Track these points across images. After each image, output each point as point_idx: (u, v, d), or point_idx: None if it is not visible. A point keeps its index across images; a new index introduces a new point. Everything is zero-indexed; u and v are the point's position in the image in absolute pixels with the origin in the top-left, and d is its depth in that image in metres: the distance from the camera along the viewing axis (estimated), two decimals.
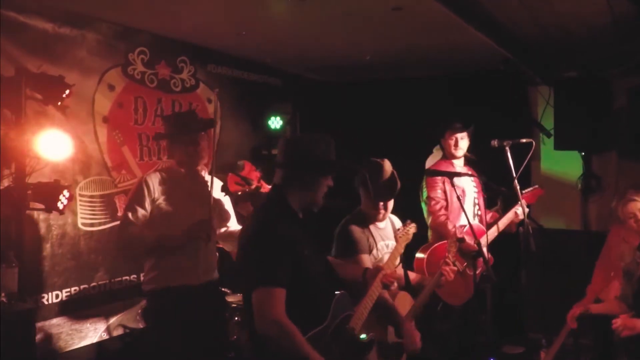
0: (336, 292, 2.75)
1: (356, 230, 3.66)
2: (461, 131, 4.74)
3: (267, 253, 2.52)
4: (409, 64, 6.06)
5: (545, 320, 5.17)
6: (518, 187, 4.38)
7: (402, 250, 3.56)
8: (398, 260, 3.58)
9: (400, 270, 3.57)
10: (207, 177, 3.65)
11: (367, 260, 3.59)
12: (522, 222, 4.48)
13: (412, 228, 3.67)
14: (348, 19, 4.41)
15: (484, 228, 4.43)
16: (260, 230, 2.61)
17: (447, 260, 3.80)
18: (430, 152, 5.57)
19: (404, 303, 3.67)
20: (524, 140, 4.46)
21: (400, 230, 3.62)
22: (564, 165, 6.00)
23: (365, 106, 6.54)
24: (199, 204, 3.52)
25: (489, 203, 4.71)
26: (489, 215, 4.85)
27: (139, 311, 4.49)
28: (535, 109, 6.08)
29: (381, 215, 3.73)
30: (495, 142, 4.39)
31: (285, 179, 2.72)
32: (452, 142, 4.75)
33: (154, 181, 3.52)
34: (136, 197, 3.49)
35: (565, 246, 5.68)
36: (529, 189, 4.75)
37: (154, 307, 3.58)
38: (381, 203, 3.68)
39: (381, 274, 3.15)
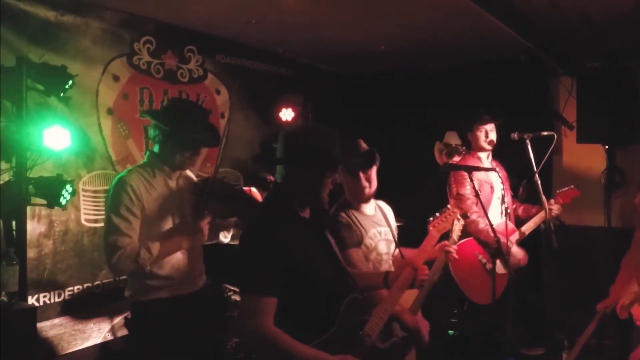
0: (350, 296, 2.55)
1: (343, 222, 3.38)
2: (490, 122, 4.61)
3: (256, 259, 2.35)
4: (425, 55, 5.96)
5: (567, 320, 5.06)
6: (539, 182, 4.27)
7: (435, 242, 3.29)
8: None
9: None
10: (191, 174, 3.46)
11: (356, 255, 3.33)
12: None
13: (451, 214, 3.38)
14: (362, 6, 4.32)
15: (513, 226, 4.39)
16: (254, 233, 2.44)
17: (451, 239, 3.53)
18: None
19: (406, 295, 3.43)
20: (545, 133, 4.43)
21: (437, 218, 3.35)
22: (587, 159, 5.91)
23: (379, 98, 6.47)
24: (188, 208, 3.28)
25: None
26: (520, 209, 4.73)
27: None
28: (556, 101, 6.01)
29: (366, 192, 3.40)
30: (515, 135, 4.38)
31: (286, 177, 2.52)
32: (482, 134, 4.59)
33: (138, 184, 3.12)
34: (124, 204, 3.06)
35: (587, 243, 5.60)
36: (564, 189, 4.63)
37: (143, 319, 3.26)
38: (362, 174, 3.36)
39: (407, 269, 2.91)
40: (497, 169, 4.58)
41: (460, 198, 4.49)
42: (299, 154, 2.47)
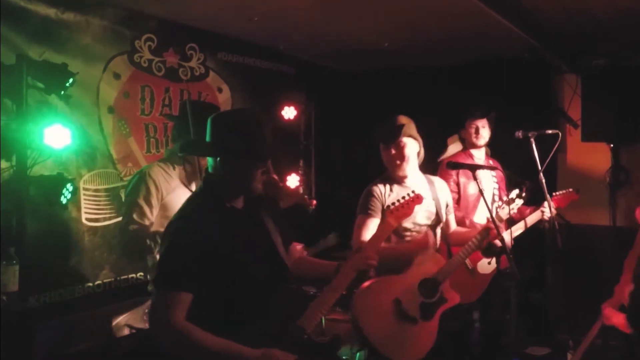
0: (283, 287, 2.47)
1: (375, 191, 3.59)
2: (481, 118, 4.59)
3: (170, 253, 2.28)
4: (428, 52, 5.94)
5: (573, 320, 5.01)
6: (544, 181, 4.23)
7: (392, 229, 3.20)
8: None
9: None
10: None
11: (371, 225, 3.43)
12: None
13: (413, 200, 3.28)
14: (365, 4, 4.29)
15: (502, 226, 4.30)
16: (171, 226, 2.38)
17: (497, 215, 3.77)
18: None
19: (432, 263, 3.53)
20: (549, 132, 4.38)
21: (396, 205, 3.24)
22: (592, 157, 5.88)
23: (382, 95, 6.44)
24: None
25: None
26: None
27: (145, 312, 4.33)
28: (561, 99, 5.98)
29: (397, 163, 3.57)
30: (519, 134, 4.33)
31: (214, 167, 2.44)
32: (473, 131, 4.61)
33: (158, 176, 3.35)
34: (141, 193, 3.30)
35: (592, 242, 5.56)
36: (562, 192, 4.48)
37: None
38: (392, 146, 3.56)
39: (355, 257, 2.71)
40: (494, 169, 4.55)
41: None
42: (225, 144, 2.38)
